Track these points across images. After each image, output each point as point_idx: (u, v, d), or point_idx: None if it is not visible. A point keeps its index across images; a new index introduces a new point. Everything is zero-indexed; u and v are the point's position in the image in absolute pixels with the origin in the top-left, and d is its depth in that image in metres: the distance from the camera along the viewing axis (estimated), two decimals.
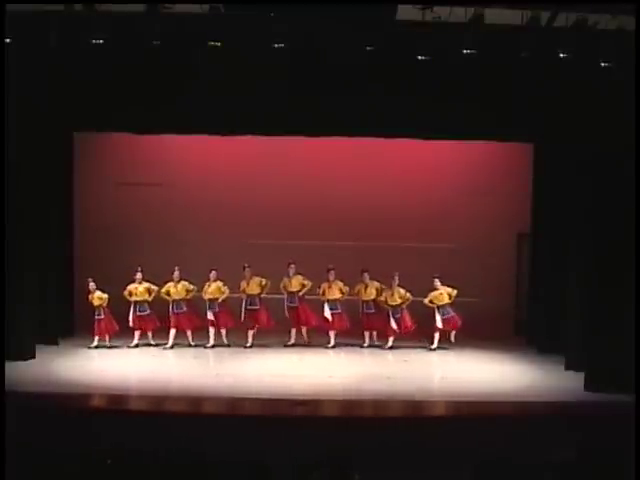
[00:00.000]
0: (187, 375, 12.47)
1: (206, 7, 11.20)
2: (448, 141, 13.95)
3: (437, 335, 14.24)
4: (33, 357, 12.89)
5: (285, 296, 14.30)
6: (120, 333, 14.05)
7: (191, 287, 14.07)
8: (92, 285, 13.85)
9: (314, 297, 14.34)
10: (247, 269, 14.12)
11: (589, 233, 12.35)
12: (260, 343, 14.24)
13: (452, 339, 14.42)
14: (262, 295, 14.16)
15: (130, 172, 15.47)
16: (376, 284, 14.21)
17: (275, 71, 12.10)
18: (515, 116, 12.63)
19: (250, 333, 14.19)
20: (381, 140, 13.78)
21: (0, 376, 10.40)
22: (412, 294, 14.12)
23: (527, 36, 11.53)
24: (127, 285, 14.02)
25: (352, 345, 14.37)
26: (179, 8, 11.17)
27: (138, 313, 13.99)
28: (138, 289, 14.01)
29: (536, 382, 12.35)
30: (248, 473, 7.70)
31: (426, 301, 14.19)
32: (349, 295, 14.31)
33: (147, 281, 14.07)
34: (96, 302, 13.84)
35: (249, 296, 14.13)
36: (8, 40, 11.18)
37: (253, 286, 14.12)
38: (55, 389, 11.36)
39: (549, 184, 14.11)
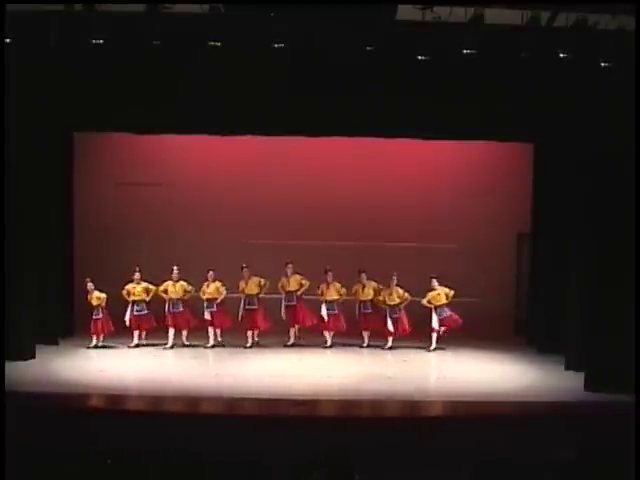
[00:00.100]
0: (187, 375, 12.46)
1: (206, 7, 11.19)
2: (448, 141, 13.94)
3: (435, 335, 14.23)
4: (33, 357, 12.90)
5: (283, 295, 14.32)
6: (118, 333, 14.04)
7: (189, 288, 14.09)
8: (90, 285, 13.85)
9: (313, 297, 14.35)
10: (245, 269, 14.13)
11: (589, 233, 12.35)
12: (259, 343, 14.25)
13: (440, 331, 14.26)
14: (261, 295, 14.17)
15: (130, 172, 15.47)
16: (374, 284, 14.23)
17: (275, 71, 12.10)
18: (515, 116, 12.62)
19: (249, 333, 14.20)
20: (381, 140, 13.78)
21: (0, 376, 10.41)
22: (412, 294, 14.12)
23: (527, 36, 11.54)
24: (126, 285, 14.04)
25: (351, 345, 14.37)
26: (179, 8, 11.17)
27: (135, 313, 14.00)
28: (136, 289, 14.02)
29: (536, 382, 12.35)
30: (247, 473, 7.70)
31: (424, 302, 14.17)
32: (347, 295, 14.32)
33: (145, 281, 14.09)
34: (95, 302, 13.84)
35: (248, 296, 14.13)
36: (8, 40, 11.18)
37: (252, 286, 14.13)
38: (55, 389, 11.37)
39: (549, 184, 14.11)
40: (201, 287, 14.15)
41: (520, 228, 15.33)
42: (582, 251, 12.60)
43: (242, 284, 14.13)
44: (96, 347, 13.88)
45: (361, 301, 14.26)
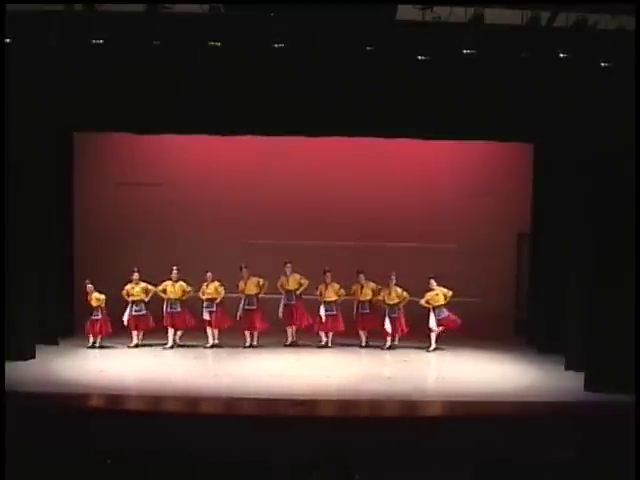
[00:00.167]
0: (186, 375, 12.47)
1: (206, 7, 11.19)
2: (448, 141, 13.94)
3: (433, 336, 14.22)
4: (33, 357, 12.90)
5: (283, 295, 14.32)
6: (117, 333, 14.03)
7: (188, 289, 14.10)
8: (90, 286, 13.86)
9: (312, 297, 14.35)
10: (244, 269, 14.13)
11: (589, 233, 12.35)
12: (258, 343, 14.24)
13: (437, 330, 14.25)
14: (260, 295, 14.17)
15: (130, 172, 15.46)
16: (372, 285, 14.24)
17: (275, 71, 12.10)
18: (515, 116, 12.61)
19: (248, 334, 14.20)
20: (381, 140, 13.77)
21: (0, 376, 10.41)
22: (412, 294, 14.12)
23: (527, 36, 11.53)
24: (125, 285, 14.04)
25: (350, 345, 14.37)
26: (179, 8, 11.17)
27: (134, 313, 14.00)
28: (135, 289, 14.02)
29: (536, 382, 12.35)
30: (246, 473, 7.69)
31: (422, 302, 14.17)
32: (346, 296, 14.32)
33: (145, 281, 14.09)
34: (94, 303, 13.85)
35: (247, 296, 14.14)
36: (8, 40, 11.18)
37: (251, 286, 14.13)
38: (55, 389, 11.37)
39: (549, 184, 14.11)
40: (200, 287, 14.16)
41: (520, 228, 15.33)
42: (582, 251, 12.60)
43: (241, 284, 14.14)
44: (92, 347, 13.88)
45: (359, 301, 14.26)
